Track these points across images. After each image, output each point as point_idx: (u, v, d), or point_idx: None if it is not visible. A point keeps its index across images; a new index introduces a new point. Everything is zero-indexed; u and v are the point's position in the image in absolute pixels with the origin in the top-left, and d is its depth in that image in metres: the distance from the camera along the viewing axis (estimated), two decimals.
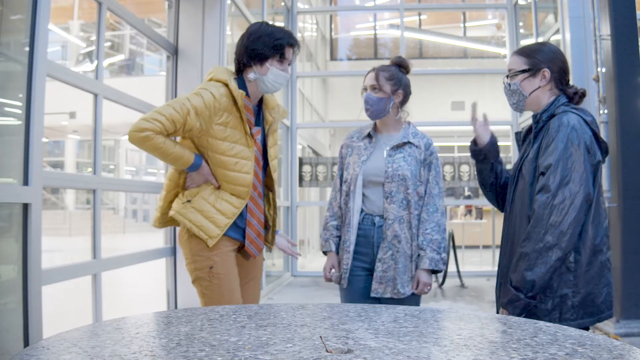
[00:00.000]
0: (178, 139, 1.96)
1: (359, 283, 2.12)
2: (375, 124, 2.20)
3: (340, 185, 2.21)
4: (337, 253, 2.19)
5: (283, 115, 2.09)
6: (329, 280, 2.21)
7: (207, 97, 1.83)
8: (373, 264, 2.10)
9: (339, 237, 2.19)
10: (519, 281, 1.58)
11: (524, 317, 1.59)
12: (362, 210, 2.11)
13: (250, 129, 1.93)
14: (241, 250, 1.99)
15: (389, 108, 2.12)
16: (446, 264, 2.13)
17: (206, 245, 1.88)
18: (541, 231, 1.55)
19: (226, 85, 1.88)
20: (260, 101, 2.04)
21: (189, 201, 1.90)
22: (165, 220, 2.01)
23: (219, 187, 1.91)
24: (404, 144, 2.13)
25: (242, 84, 1.95)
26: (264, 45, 1.91)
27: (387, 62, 2.21)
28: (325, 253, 2.23)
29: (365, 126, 2.23)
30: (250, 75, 1.93)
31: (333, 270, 2.18)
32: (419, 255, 2.08)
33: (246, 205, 1.93)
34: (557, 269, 1.57)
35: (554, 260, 1.55)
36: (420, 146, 2.14)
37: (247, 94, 1.94)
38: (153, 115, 1.78)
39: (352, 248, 2.10)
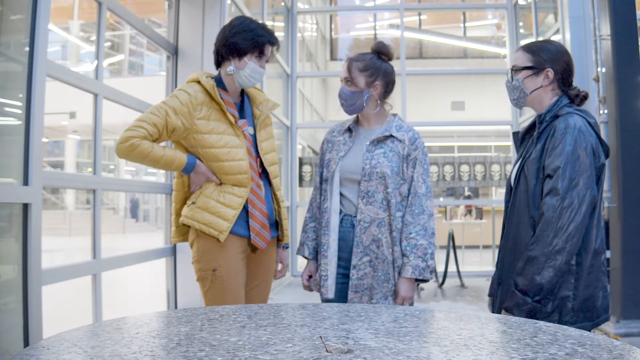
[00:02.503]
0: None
1: (341, 292, 1.93)
2: (357, 117, 2.01)
3: (320, 183, 2.04)
4: (315, 258, 2.02)
5: (273, 108, 2.07)
6: (307, 288, 2.04)
7: (182, 96, 1.88)
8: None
9: (316, 239, 2.02)
10: (526, 285, 1.56)
11: None
12: (340, 211, 1.93)
13: (235, 121, 1.93)
14: (252, 246, 1.97)
15: (364, 102, 1.93)
16: (434, 270, 1.96)
17: (214, 244, 1.87)
18: (550, 234, 1.54)
19: (198, 82, 1.93)
20: (246, 97, 2.05)
21: (193, 203, 1.91)
22: (182, 232, 2.01)
23: (220, 183, 1.91)
24: (386, 137, 1.92)
25: (219, 80, 1.98)
26: (245, 40, 1.92)
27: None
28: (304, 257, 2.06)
29: (347, 120, 2.05)
30: (229, 68, 1.94)
31: (311, 277, 2.02)
32: (403, 262, 1.87)
33: (247, 198, 1.92)
34: (564, 272, 1.57)
35: (562, 264, 1.54)
36: (404, 140, 1.92)
37: (225, 88, 1.97)
38: (134, 124, 1.82)
39: (330, 253, 1.91)
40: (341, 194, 1.94)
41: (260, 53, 1.95)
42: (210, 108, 1.90)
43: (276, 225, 2.04)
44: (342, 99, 1.96)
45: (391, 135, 1.93)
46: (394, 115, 2.01)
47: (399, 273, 1.88)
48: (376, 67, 1.94)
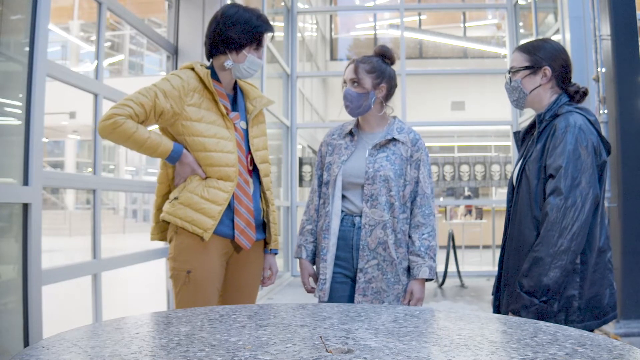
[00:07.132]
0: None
1: (340, 292, 1.91)
2: (357, 120, 2.01)
3: (319, 186, 2.03)
4: (312, 261, 2.01)
5: (266, 105, 2.00)
6: (311, 292, 2.01)
7: (175, 80, 1.80)
8: (354, 271, 1.91)
9: (314, 242, 2.01)
10: (533, 286, 1.55)
11: None
12: (342, 211, 1.93)
13: (227, 112, 1.86)
14: (236, 247, 1.88)
15: (371, 104, 1.93)
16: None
17: (195, 243, 1.77)
18: (555, 235, 1.54)
19: (192, 68, 1.86)
20: (239, 91, 1.98)
21: (176, 198, 1.79)
22: (162, 229, 1.91)
23: (205, 178, 1.81)
24: (388, 141, 1.93)
25: (212, 70, 1.91)
26: (242, 33, 1.84)
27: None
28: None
29: (347, 123, 2.04)
30: (226, 62, 1.86)
31: (311, 279, 2.01)
32: (412, 262, 1.90)
33: (233, 194, 1.82)
34: (569, 271, 1.56)
35: (567, 264, 1.54)
36: (406, 142, 1.94)
37: (218, 79, 1.90)
38: (120, 102, 1.74)
39: (329, 257, 1.90)
40: (343, 196, 1.94)
41: (258, 45, 1.88)
42: (202, 96, 1.82)
43: (263, 227, 1.94)
44: (347, 100, 1.94)
45: (393, 139, 1.94)
46: (394, 117, 2.02)
47: (410, 274, 1.90)
48: (382, 69, 1.95)
